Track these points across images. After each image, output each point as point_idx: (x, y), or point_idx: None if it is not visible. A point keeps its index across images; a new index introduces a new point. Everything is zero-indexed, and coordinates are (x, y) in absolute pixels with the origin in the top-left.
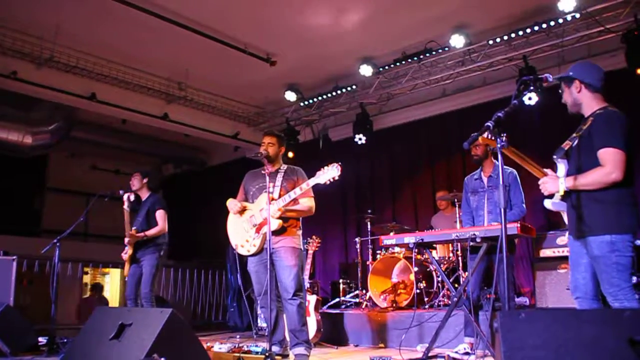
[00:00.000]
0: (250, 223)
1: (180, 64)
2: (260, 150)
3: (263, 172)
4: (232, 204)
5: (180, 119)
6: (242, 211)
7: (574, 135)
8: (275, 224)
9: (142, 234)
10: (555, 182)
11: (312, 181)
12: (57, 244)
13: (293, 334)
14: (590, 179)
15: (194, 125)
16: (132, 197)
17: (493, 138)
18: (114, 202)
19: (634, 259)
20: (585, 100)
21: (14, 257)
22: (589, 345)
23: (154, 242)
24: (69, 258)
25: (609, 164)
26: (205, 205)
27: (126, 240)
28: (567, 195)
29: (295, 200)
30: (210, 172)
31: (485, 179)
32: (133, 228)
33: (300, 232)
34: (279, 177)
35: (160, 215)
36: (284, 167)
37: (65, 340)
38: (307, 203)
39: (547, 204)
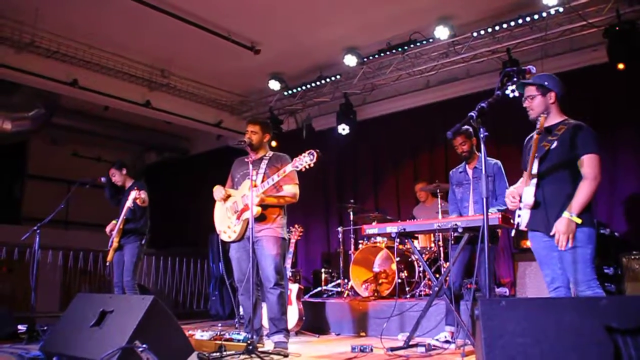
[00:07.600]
0: (232, 210)
1: (163, 51)
2: (244, 138)
3: (247, 159)
4: (217, 191)
5: (162, 106)
6: (227, 198)
7: (550, 138)
8: (255, 210)
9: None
10: (572, 225)
11: (288, 168)
12: (37, 231)
13: (272, 323)
14: (586, 195)
15: (177, 113)
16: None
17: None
18: (95, 190)
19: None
20: (554, 110)
21: None
22: (568, 332)
23: (137, 230)
24: (49, 245)
25: (595, 169)
26: (187, 193)
27: (110, 228)
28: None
29: (278, 187)
30: (192, 160)
31: (470, 171)
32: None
33: (284, 220)
34: (263, 165)
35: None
36: (270, 154)
37: (45, 328)
38: (291, 190)
39: (524, 216)
